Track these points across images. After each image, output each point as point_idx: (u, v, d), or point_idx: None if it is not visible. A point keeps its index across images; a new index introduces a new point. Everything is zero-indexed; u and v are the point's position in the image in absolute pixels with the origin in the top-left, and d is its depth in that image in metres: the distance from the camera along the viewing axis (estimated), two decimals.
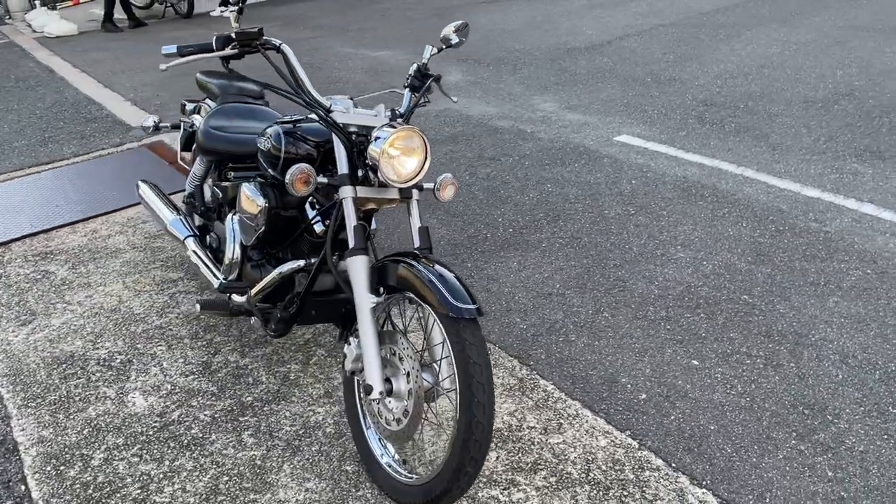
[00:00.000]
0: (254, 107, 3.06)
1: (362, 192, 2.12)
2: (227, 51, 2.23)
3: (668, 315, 2.95)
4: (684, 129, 4.94)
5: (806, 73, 5.79)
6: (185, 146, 3.40)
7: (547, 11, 8.89)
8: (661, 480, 2.16)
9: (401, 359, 2.01)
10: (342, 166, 2.12)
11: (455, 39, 2.48)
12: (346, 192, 2.10)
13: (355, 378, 2.27)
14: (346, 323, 2.45)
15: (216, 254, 2.92)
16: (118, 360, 2.90)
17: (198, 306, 2.42)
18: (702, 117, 5.14)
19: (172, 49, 2.28)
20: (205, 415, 2.56)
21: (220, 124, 2.89)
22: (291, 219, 2.44)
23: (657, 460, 2.23)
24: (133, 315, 3.22)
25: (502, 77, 6.47)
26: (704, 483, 2.15)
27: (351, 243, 2.08)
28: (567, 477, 2.19)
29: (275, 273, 2.44)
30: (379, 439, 2.23)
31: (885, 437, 2.29)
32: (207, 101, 3.28)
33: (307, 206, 2.39)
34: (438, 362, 2.01)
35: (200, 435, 2.45)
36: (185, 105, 3.52)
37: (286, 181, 2.09)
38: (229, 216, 2.68)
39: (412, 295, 1.98)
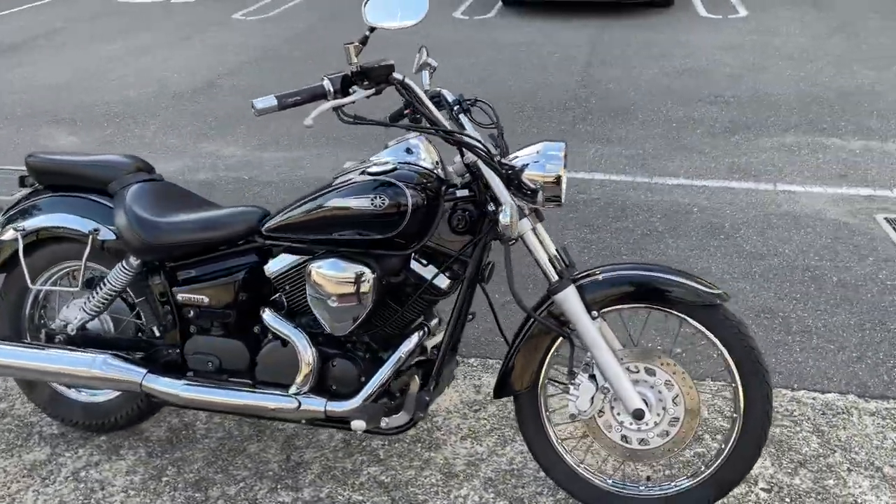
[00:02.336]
0: (163, 184, 2.37)
1: (532, 222, 1.98)
2: (361, 92, 1.81)
3: None
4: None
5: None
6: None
7: (86, 63, 7.78)
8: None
9: (650, 372, 1.97)
10: (507, 200, 1.94)
11: (434, 62, 2.45)
12: (526, 226, 1.96)
13: (544, 421, 2.08)
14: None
15: (212, 377, 2.18)
16: None
17: (361, 424, 1.85)
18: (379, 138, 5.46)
19: (271, 102, 1.73)
20: None
21: (164, 212, 2.18)
22: (399, 285, 2.05)
23: None
24: None
25: (143, 132, 5.69)
26: (794, 386, 2.62)
27: (553, 276, 1.95)
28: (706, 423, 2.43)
29: (399, 354, 2.04)
30: (597, 472, 2.10)
31: (822, 309, 3.09)
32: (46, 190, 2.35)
33: (413, 263, 2.05)
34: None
35: None
36: None
37: (501, 224, 1.83)
38: (269, 314, 2.09)
39: (635, 305, 1.98)
